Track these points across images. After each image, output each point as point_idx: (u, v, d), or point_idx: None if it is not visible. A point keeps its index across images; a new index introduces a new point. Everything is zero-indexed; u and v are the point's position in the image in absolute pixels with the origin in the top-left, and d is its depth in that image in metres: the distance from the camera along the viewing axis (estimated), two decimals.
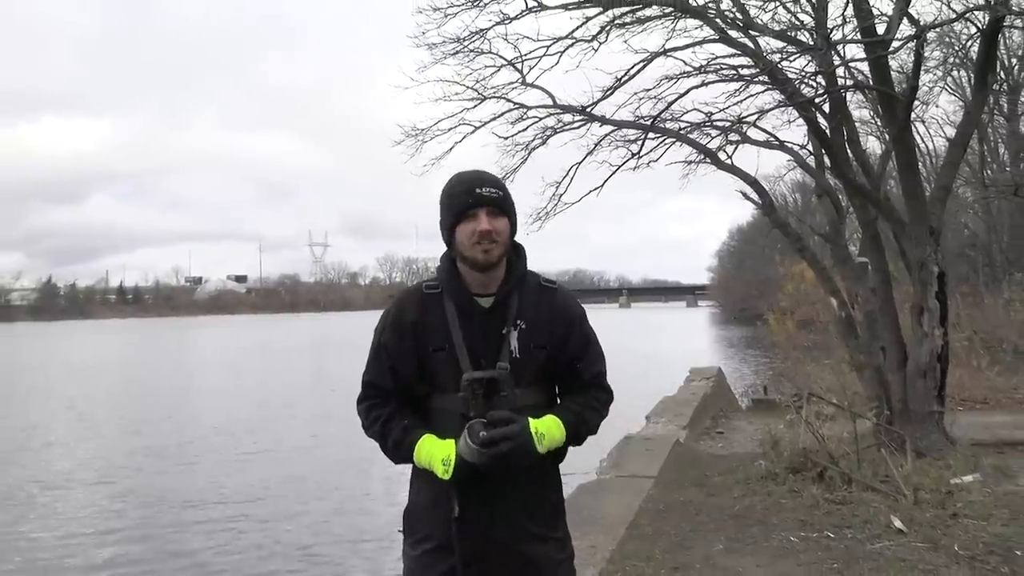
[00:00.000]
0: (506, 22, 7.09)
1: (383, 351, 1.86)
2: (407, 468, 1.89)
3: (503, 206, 1.80)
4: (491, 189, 1.79)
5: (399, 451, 1.82)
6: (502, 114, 7.72)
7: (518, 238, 1.87)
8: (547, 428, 1.77)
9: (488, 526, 1.77)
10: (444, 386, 1.80)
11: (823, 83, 6.66)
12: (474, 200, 1.76)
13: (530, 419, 1.75)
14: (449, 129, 7.76)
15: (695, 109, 7.40)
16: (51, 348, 42.59)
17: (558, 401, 1.93)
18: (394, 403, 1.86)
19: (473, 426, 1.68)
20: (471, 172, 1.86)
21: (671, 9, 6.67)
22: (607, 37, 7.07)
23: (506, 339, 1.79)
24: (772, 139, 7.45)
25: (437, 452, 1.74)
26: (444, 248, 1.86)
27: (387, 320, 1.88)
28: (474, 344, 1.79)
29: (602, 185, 7.97)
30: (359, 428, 1.93)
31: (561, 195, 7.93)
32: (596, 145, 7.76)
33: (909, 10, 6.05)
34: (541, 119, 7.75)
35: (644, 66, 7.04)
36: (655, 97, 7.23)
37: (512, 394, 1.74)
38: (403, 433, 1.81)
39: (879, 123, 9.10)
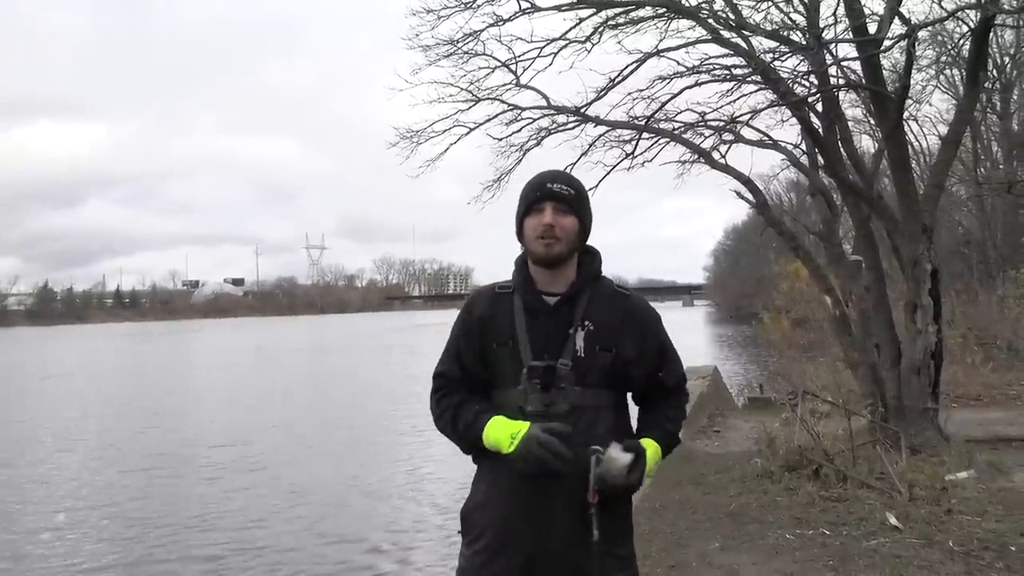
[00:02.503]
0: (499, 24, 7.11)
1: (454, 343, 1.90)
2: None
3: (573, 204, 1.80)
4: (562, 186, 1.80)
5: (469, 432, 1.79)
6: (496, 115, 7.75)
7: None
8: (652, 461, 1.79)
9: (543, 533, 1.72)
10: (504, 381, 1.79)
11: (815, 82, 6.71)
12: (543, 194, 1.79)
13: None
14: (444, 131, 7.79)
15: (689, 109, 7.45)
16: (49, 353, 42.45)
17: (629, 406, 1.90)
18: (464, 391, 1.86)
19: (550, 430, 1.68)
20: (551, 170, 1.89)
21: (664, 10, 6.70)
22: (600, 38, 7.10)
23: (571, 338, 1.77)
24: (765, 138, 7.50)
25: (508, 427, 1.72)
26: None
27: (460, 315, 1.91)
28: (538, 341, 1.78)
29: (596, 185, 7.98)
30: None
31: None
32: (590, 146, 7.79)
33: (900, 9, 6.09)
34: (535, 120, 7.78)
35: (637, 67, 7.07)
36: (649, 97, 7.28)
37: (571, 390, 1.73)
38: (475, 416, 1.79)
39: (872, 122, 9.15)
